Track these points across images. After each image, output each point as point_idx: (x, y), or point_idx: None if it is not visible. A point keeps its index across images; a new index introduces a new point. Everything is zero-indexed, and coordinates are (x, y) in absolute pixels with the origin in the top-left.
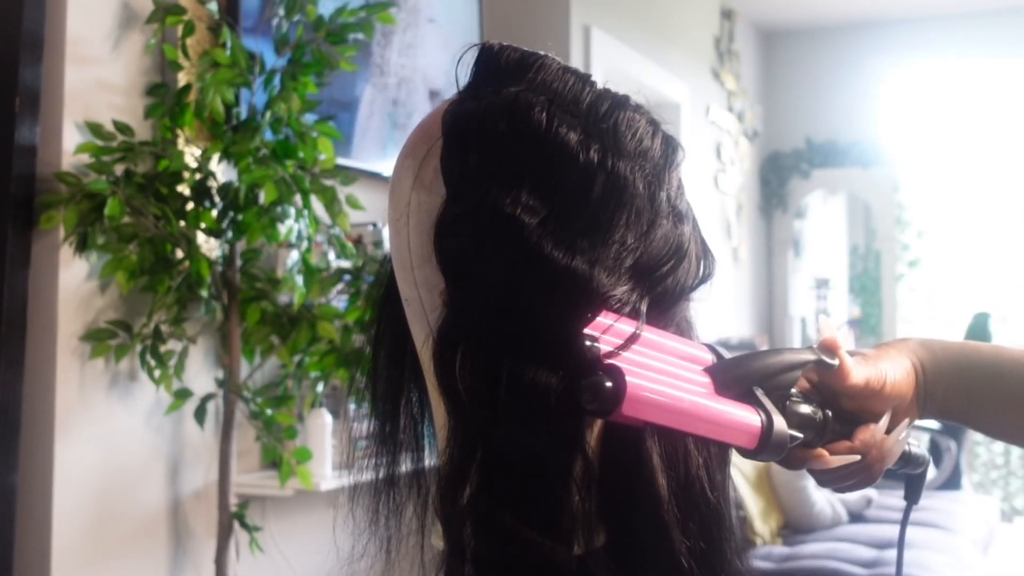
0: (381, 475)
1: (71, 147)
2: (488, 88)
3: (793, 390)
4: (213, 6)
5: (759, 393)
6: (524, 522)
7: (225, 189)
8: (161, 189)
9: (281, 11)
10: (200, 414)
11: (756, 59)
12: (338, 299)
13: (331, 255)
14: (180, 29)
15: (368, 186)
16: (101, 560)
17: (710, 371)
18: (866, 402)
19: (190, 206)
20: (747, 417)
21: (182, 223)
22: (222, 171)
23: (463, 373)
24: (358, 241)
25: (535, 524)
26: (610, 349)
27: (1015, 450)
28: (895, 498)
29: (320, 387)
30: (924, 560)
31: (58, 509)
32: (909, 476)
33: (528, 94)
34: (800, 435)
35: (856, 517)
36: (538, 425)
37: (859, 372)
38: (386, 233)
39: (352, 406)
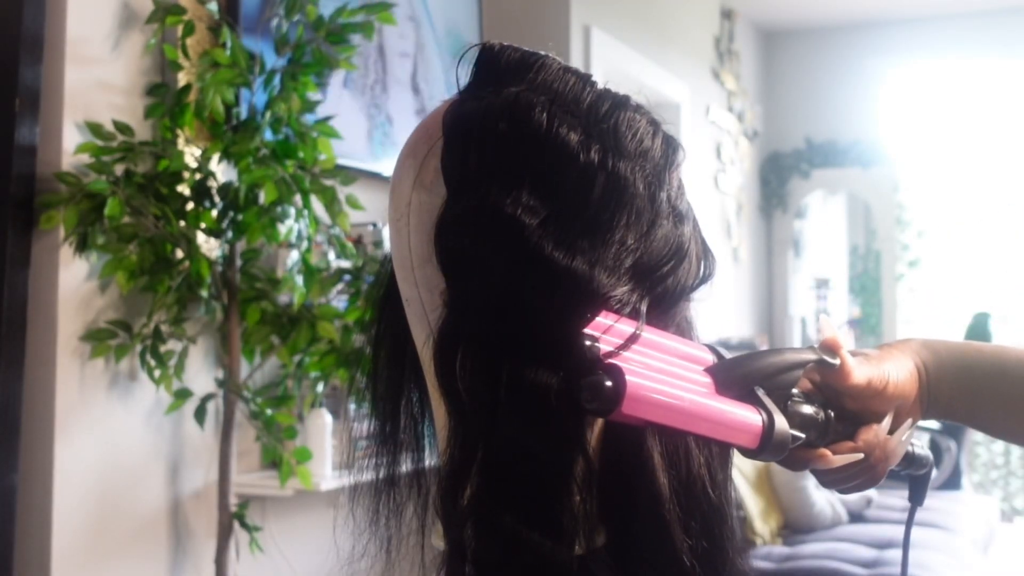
0: (381, 475)
1: (71, 147)
2: (489, 88)
3: (795, 390)
4: (213, 6)
5: (760, 393)
6: (525, 522)
7: (225, 189)
8: (161, 189)
9: (281, 11)
10: (200, 414)
11: (756, 59)
12: (338, 299)
13: (331, 255)
14: (180, 29)
15: (368, 186)
16: (101, 560)
17: (711, 371)
18: (869, 402)
19: (190, 206)
20: (748, 416)
21: (182, 223)
22: (222, 171)
23: (463, 373)
24: (358, 241)
25: (536, 524)
26: (610, 349)
27: (1015, 450)
28: (895, 498)
29: (320, 387)
30: (924, 560)
31: (58, 509)
32: (913, 477)
33: (529, 94)
34: (802, 435)
35: (856, 517)
36: (538, 425)
37: (861, 372)
38: (386, 233)
39: (352, 406)
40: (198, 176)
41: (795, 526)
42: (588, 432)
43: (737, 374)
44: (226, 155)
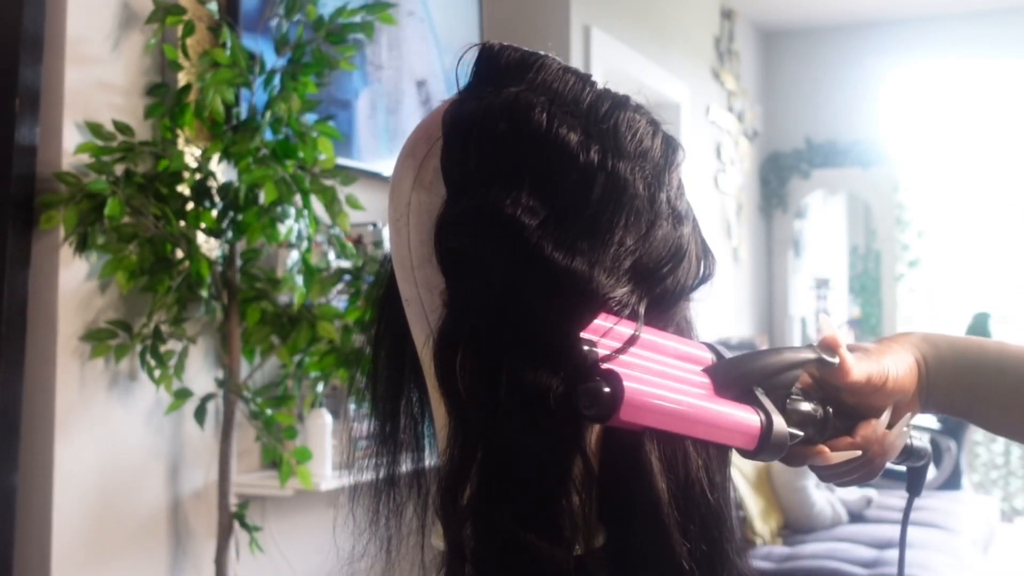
0: (381, 475)
1: (71, 147)
2: (488, 88)
3: (794, 387)
4: (213, 6)
5: (759, 393)
6: (523, 523)
7: (225, 189)
8: (161, 189)
9: (281, 11)
10: (200, 414)
11: (756, 59)
12: (338, 299)
13: (331, 255)
14: (180, 29)
15: (368, 186)
16: (101, 560)
17: (709, 371)
18: (868, 397)
19: (190, 206)
20: (746, 418)
21: (182, 223)
22: (222, 171)
23: (463, 373)
24: (358, 241)
25: (534, 525)
26: (608, 353)
27: (1015, 450)
28: (895, 498)
29: (320, 387)
30: (924, 560)
31: (58, 509)
32: (911, 468)
33: (528, 94)
34: (800, 433)
35: (856, 517)
36: (538, 426)
37: (860, 368)
38: (386, 233)
39: (352, 406)
40: (198, 176)
41: (795, 526)
42: (587, 433)
43: (736, 374)
44: (226, 155)
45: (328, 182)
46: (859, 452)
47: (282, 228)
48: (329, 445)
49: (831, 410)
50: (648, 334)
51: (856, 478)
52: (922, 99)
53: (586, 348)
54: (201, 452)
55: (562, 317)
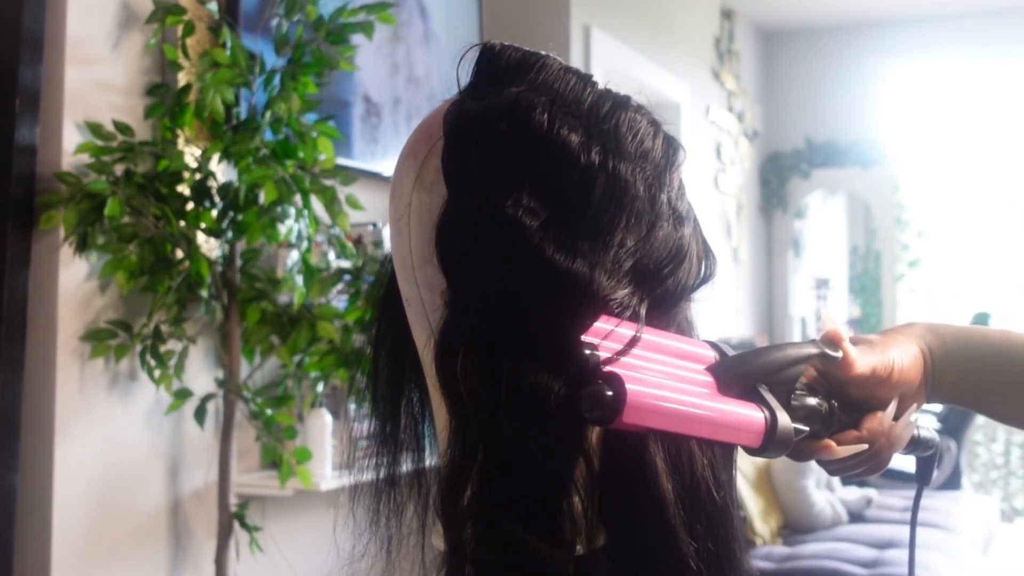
0: (381, 475)
1: (71, 147)
2: (489, 88)
3: (798, 382)
4: (213, 6)
5: (763, 390)
6: (524, 524)
7: (225, 189)
8: (161, 189)
9: (281, 11)
10: (200, 414)
11: (756, 59)
12: (338, 299)
13: (331, 255)
14: (180, 29)
15: (368, 186)
16: (101, 560)
17: (712, 370)
18: (873, 390)
19: (190, 206)
20: (750, 416)
21: (182, 223)
22: (222, 171)
23: (464, 374)
24: (358, 241)
25: (535, 526)
26: (609, 355)
27: (1015, 450)
28: (895, 498)
29: (320, 387)
30: (924, 560)
31: (58, 509)
32: (920, 459)
33: (529, 94)
34: (806, 428)
35: (856, 517)
36: (539, 427)
37: (864, 361)
38: (386, 233)
39: (352, 406)
40: (198, 176)
41: (795, 526)
42: (589, 434)
43: (739, 372)
44: (226, 155)
45: (328, 182)
46: (866, 445)
47: (282, 228)
48: (329, 445)
49: (836, 404)
50: (649, 335)
51: (864, 471)
52: (922, 99)
53: (587, 352)
54: (201, 452)
55: (563, 318)
